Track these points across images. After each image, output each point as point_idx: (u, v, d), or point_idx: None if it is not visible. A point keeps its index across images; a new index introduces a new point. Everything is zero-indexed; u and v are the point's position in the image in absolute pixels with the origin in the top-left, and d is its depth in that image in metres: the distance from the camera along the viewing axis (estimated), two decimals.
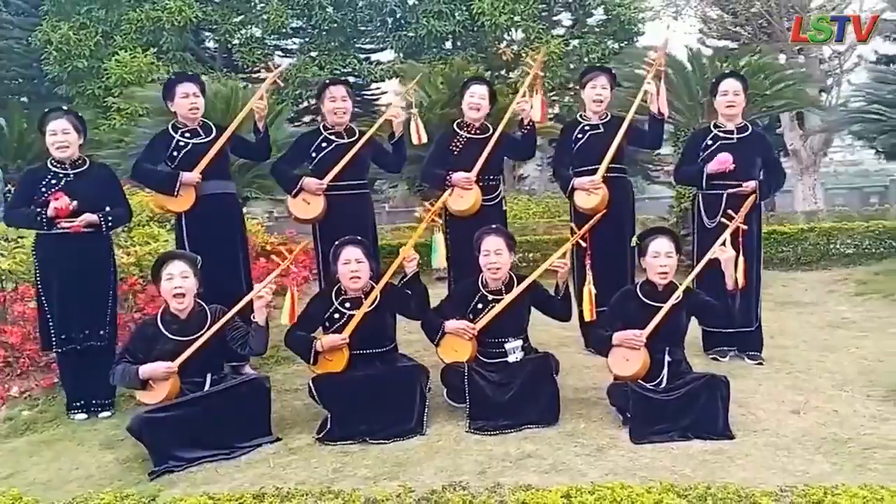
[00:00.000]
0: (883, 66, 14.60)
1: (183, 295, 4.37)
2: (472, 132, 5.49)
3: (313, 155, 5.42)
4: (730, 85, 5.30)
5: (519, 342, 4.67)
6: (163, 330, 4.39)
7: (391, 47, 23.46)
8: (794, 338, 6.15)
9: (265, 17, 22.06)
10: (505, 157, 5.77)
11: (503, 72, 22.63)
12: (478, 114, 5.45)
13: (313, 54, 22.88)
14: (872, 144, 9.49)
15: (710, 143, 5.30)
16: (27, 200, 4.76)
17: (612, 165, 5.33)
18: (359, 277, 4.55)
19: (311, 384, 4.41)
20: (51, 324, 4.78)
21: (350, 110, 5.46)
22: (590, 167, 5.33)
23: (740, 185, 5.15)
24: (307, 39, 23.83)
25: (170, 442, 4.08)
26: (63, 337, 4.78)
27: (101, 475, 4.06)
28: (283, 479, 3.84)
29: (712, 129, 5.37)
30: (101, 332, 4.85)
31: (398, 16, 22.96)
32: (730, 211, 4.64)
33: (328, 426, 4.30)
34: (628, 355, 4.35)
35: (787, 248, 9.83)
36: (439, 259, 4.84)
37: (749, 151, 5.23)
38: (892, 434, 4.11)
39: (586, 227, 4.66)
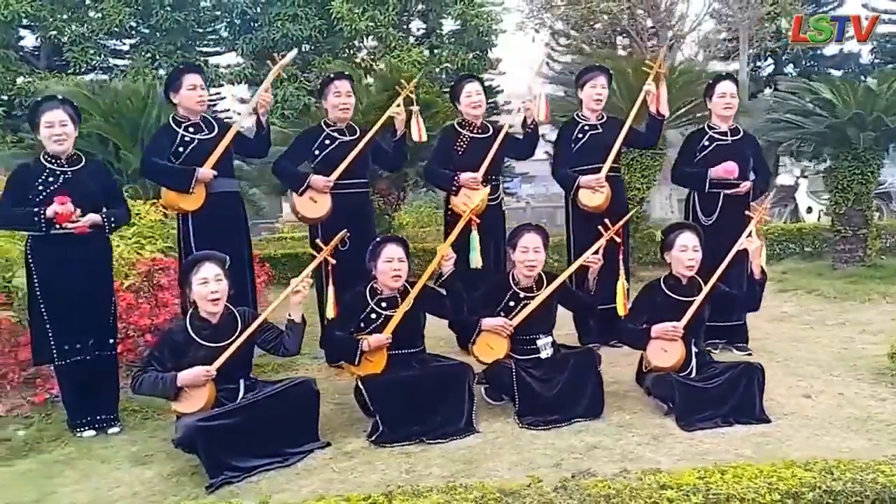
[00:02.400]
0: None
1: (218, 299, 4.13)
2: (475, 131, 5.52)
3: (316, 152, 5.29)
4: (727, 87, 5.60)
5: (550, 338, 4.73)
6: (194, 336, 4.13)
7: (239, 50, 22.62)
8: (755, 331, 6.54)
9: (100, 15, 20.71)
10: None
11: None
12: (478, 111, 5.49)
13: (154, 56, 21.82)
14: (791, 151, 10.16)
15: (706, 143, 5.59)
16: (20, 199, 4.32)
17: (611, 165, 5.50)
18: (400, 276, 4.46)
19: (360, 386, 4.28)
20: (50, 335, 4.35)
21: (353, 106, 5.36)
22: (591, 166, 5.48)
23: (737, 186, 5.46)
24: (145, 40, 22.70)
25: (225, 452, 3.84)
26: (65, 348, 4.37)
27: (148, 492, 3.76)
28: (354, 483, 3.71)
29: (707, 130, 5.65)
30: (106, 342, 4.49)
31: (248, 17, 22.26)
32: (754, 204, 4.91)
33: (380, 428, 4.18)
34: (666, 347, 4.51)
35: None
36: (477, 258, 4.82)
37: (743, 152, 5.55)
38: None
39: (619, 224, 4.80)
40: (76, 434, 4.41)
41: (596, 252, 4.69)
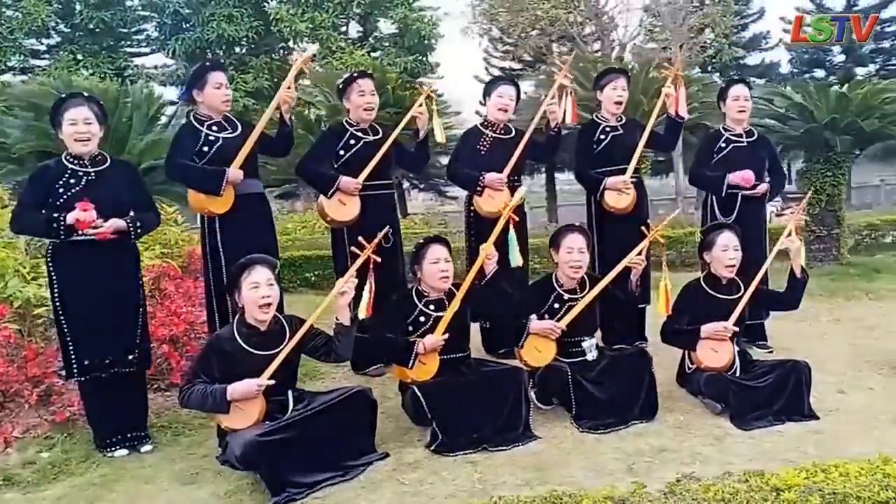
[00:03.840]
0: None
1: (269, 305, 3.91)
2: (498, 132, 5.41)
3: (341, 153, 5.09)
4: (740, 90, 5.64)
5: (594, 340, 4.66)
6: (243, 344, 3.89)
7: (170, 51, 21.94)
8: None
9: (20, 14, 19.87)
10: None
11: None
12: (505, 115, 5.39)
13: (78, 56, 20.98)
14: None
15: (723, 145, 5.61)
16: (40, 203, 3.99)
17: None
18: (447, 277, 4.33)
19: (417, 392, 4.10)
20: (71, 349, 4.03)
21: (377, 105, 5.19)
22: (614, 168, 5.43)
23: (754, 188, 5.50)
24: (68, 40, 21.82)
25: (286, 468, 3.63)
26: (85, 363, 4.04)
27: None
28: (427, 495, 3.57)
29: (723, 132, 5.68)
30: (132, 356, 4.17)
31: (180, 17, 21.64)
32: (792, 205, 4.94)
33: (439, 437, 4.02)
34: (717, 347, 4.49)
35: (670, 251, 10.57)
36: (517, 257, 4.69)
37: (759, 154, 5.60)
38: None
39: (662, 223, 4.76)
40: (106, 454, 4.10)
41: (640, 253, 4.63)
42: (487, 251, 4.41)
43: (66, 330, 4.05)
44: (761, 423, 4.24)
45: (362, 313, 4.06)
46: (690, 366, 4.69)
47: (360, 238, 4.18)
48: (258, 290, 3.86)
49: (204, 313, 5.15)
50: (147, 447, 4.19)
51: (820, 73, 35.10)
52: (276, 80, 21.33)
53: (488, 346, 5.56)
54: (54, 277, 4.05)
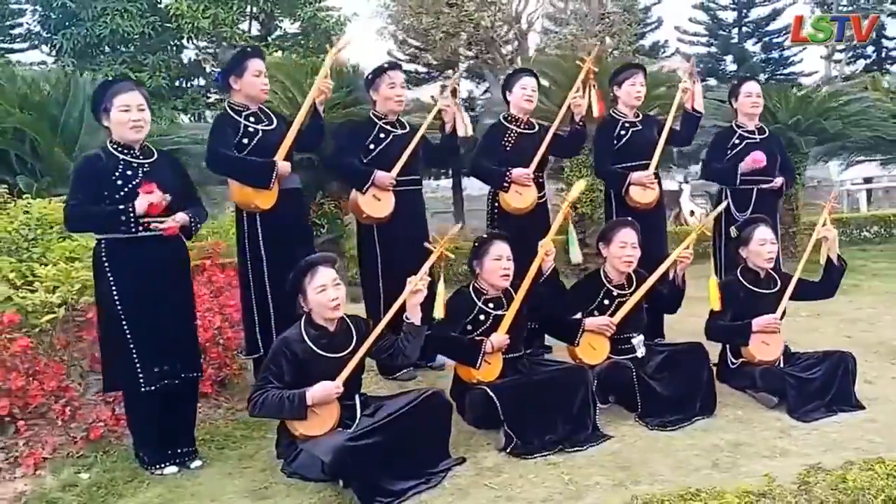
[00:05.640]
0: None
1: (339, 306, 3.69)
2: (522, 127, 5.30)
3: (371, 147, 4.87)
4: (752, 87, 5.72)
5: (642, 336, 4.61)
6: (313, 346, 3.66)
7: (57, 46, 20.65)
8: None
9: None
10: None
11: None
12: (531, 106, 5.28)
13: None
14: None
15: (736, 142, 5.66)
16: (95, 197, 3.62)
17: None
18: (509, 275, 4.20)
19: (490, 393, 3.94)
20: (135, 357, 3.66)
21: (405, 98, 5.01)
22: (636, 163, 5.40)
23: (769, 181, 5.59)
24: None
25: (375, 476, 3.42)
26: (156, 371, 3.68)
27: None
28: (522, 499, 3.43)
29: (735, 128, 5.75)
30: (192, 363, 3.88)
31: (69, 11, 20.34)
32: (832, 198, 5.03)
33: (514, 440, 3.87)
34: (768, 340, 4.52)
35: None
36: (577, 253, 4.58)
37: (771, 150, 5.68)
38: None
39: (710, 216, 4.76)
40: (154, 472, 3.74)
41: (687, 247, 4.62)
42: (546, 248, 4.30)
43: (128, 336, 3.66)
44: (817, 415, 4.28)
45: (439, 314, 3.87)
46: (734, 361, 4.71)
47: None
48: (326, 292, 3.66)
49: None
50: (197, 462, 3.86)
51: (712, 81, 36.56)
52: (173, 78, 20.49)
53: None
54: (111, 279, 3.66)
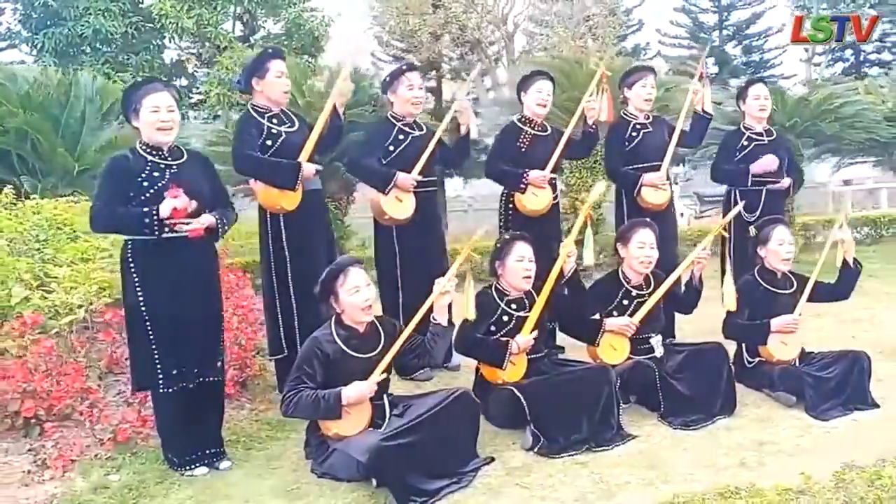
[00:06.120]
0: None
1: (371, 307, 3.71)
2: (536, 129, 5.33)
3: (390, 148, 4.89)
4: (760, 90, 5.78)
5: (660, 336, 4.66)
6: (343, 347, 3.67)
7: (38, 46, 20.36)
8: None
9: None
10: None
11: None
12: (544, 110, 5.32)
13: None
14: None
15: (745, 143, 5.73)
16: (122, 199, 3.60)
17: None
18: (531, 277, 4.23)
19: (517, 393, 3.97)
20: (156, 357, 3.66)
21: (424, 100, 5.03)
22: (648, 164, 5.45)
23: (778, 182, 5.66)
24: None
25: (410, 475, 3.43)
26: (174, 373, 3.66)
27: None
28: (555, 499, 3.46)
29: (744, 130, 5.81)
30: (215, 364, 3.85)
31: (51, 10, 20.06)
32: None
33: (540, 439, 3.90)
34: (786, 339, 4.58)
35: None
36: (591, 255, 4.61)
37: (779, 151, 5.75)
38: None
39: (726, 218, 4.81)
40: (184, 473, 3.73)
41: (704, 248, 4.67)
42: (568, 249, 4.33)
43: (150, 336, 3.65)
44: (835, 413, 4.33)
45: (470, 314, 3.89)
46: (751, 360, 4.76)
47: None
48: (359, 293, 3.67)
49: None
50: (226, 463, 3.85)
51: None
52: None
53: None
54: (136, 280, 3.64)
